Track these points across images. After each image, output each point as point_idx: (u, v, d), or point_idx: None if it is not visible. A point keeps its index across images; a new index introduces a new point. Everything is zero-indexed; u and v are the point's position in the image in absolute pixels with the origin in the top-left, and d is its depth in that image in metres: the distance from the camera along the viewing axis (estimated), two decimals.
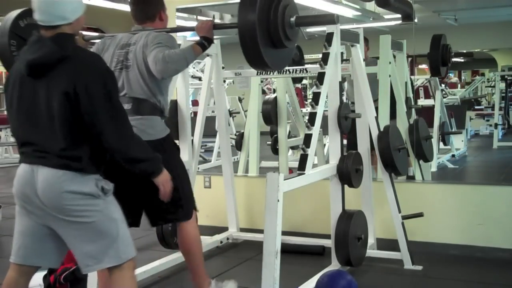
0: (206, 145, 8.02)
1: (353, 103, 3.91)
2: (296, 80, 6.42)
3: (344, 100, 4.11)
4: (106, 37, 3.09)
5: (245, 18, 2.60)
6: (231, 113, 8.08)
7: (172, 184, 2.60)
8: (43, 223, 2.42)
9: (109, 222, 2.35)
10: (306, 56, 5.92)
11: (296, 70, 4.43)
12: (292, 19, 2.79)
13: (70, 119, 2.25)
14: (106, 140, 2.28)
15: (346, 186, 3.60)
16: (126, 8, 9.89)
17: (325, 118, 3.51)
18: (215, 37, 2.95)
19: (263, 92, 5.76)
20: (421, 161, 4.77)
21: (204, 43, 2.87)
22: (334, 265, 3.61)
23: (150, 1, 3.05)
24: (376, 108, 3.97)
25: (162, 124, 2.95)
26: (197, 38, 2.95)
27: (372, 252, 3.92)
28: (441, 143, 7.07)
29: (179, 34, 4.75)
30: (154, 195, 2.60)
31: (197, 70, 8.00)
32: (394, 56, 4.81)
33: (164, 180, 2.51)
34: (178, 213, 3.01)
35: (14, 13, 2.99)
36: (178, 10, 5.14)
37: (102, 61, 2.38)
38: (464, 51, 10.63)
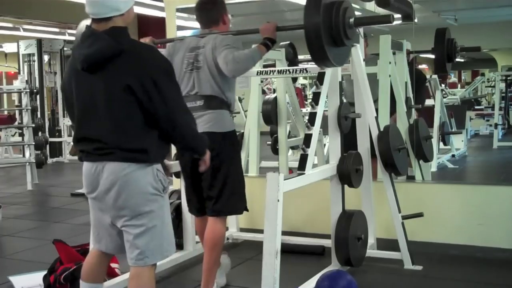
0: None
1: (350, 103, 3.90)
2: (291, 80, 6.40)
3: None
4: (176, 40, 3.37)
5: (311, 20, 2.86)
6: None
7: (224, 175, 3.09)
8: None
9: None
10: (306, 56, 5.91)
11: (296, 70, 4.43)
12: (351, 20, 2.98)
13: (133, 112, 2.27)
14: (177, 128, 2.36)
15: (346, 186, 3.61)
16: None
17: (325, 118, 3.51)
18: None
19: (263, 92, 5.75)
20: (421, 161, 4.77)
21: (268, 44, 3.13)
22: (334, 265, 3.61)
23: (213, 7, 3.30)
24: (376, 109, 3.96)
25: (230, 119, 3.23)
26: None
27: (372, 252, 3.92)
28: (441, 143, 7.07)
29: (179, 33, 4.75)
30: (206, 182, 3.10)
31: None
32: (394, 53, 4.81)
33: (208, 158, 2.68)
34: (218, 207, 3.15)
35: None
36: (178, 10, 5.13)
37: (158, 51, 2.42)
38: (464, 51, 10.62)
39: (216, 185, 3.14)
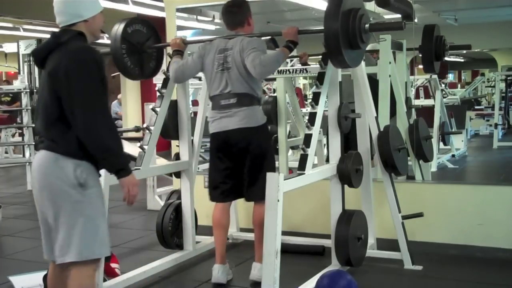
0: (206, 145, 7.99)
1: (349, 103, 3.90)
2: None
3: None
4: (206, 42, 3.61)
5: (330, 26, 3.08)
6: None
7: (265, 163, 3.43)
8: None
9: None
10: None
11: (296, 70, 4.43)
12: (367, 25, 3.19)
13: (53, 102, 2.33)
14: (75, 123, 2.29)
15: (346, 186, 3.61)
16: (126, 8, 9.91)
17: (325, 118, 3.51)
18: (215, 36, 3.38)
19: (263, 92, 5.75)
20: (421, 161, 4.77)
21: (291, 46, 3.39)
22: (334, 265, 3.62)
23: (238, 10, 3.55)
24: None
25: (261, 112, 3.56)
26: (198, 38, 3.04)
27: (372, 252, 3.92)
28: (441, 143, 7.06)
29: (179, 33, 4.75)
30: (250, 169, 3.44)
31: None
32: (395, 54, 4.80)
33: (131, 183, 2.43)
34: (258, 192, 3.31)
35: (123, 22, 3.70)
36: (178, 10, 5.14)
37: (92, 51, 2.37)
38: (464, 52, 10.63)
39: (261, 173, 3.28)
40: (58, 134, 2.33)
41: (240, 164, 3.51)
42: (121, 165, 2.39)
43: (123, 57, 3.70)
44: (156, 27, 3.95)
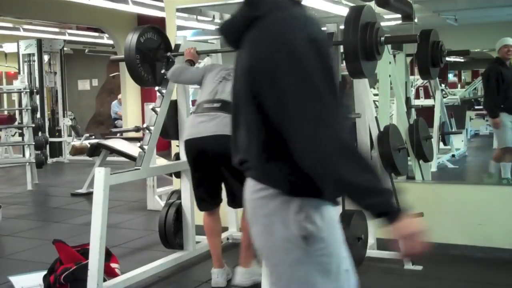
0: None
1: None
2: None
3: None
4: (218, 64, 3.88)
5: (349, 38, 3.21)
6: None
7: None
8: None
9: None
10: None
11: None
12: (382, 38, 3.32)
13: (254, 111, 1.47)
14: (293, 145, 1.40)
15: None
16: (126, 8, 9.90)
17: None
18: (216, 37, 3.15)
19: None
20: (421, 161, 4.77)
21: None
22: None
23: None
24: None
25: None
26: (199, 38, 3.04)
27: (372, 252, 3.92)
28: (441, 143, 7.06)
29: (179, 33, 4.75)
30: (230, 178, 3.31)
31: None
32: (394, 56, 4.81)
33: (408, 229, 1.44)
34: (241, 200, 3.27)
35: (137, 32, 3.79)
36: (178, 10, 5.14)
37: (306, 24, 1.44)
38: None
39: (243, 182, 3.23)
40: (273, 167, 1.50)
41: (218, 172, 3.41)
42: (382, 208, 1.44)
43: (137, 67, 3.80)
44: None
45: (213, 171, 3.42)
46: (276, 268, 1.56)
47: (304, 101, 1.36)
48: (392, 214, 1.44)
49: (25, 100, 7.94)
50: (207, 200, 3.58)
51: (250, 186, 1.57)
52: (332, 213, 1.54)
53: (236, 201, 3.47)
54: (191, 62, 3.77)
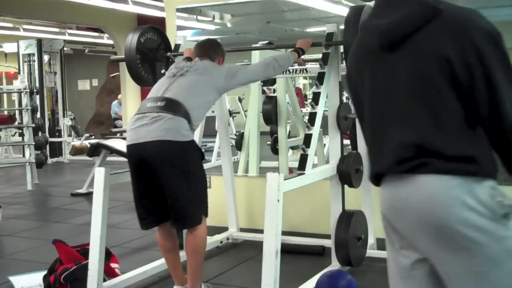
0: (206, 145, 8.00)
1: None
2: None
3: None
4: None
5: (349, 38, 3.23)
6: (231, 113, 8.07)
7: (186, 185, 2.95)
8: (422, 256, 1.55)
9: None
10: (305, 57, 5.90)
11: (296, 70, 4.43)
12: None
13: (450, 99, 1.48)
14: (502, 125, 1.48)
15: (346, 186, 3.61)
16: (126, 8, 9.91)
17: (325, 118, 3.51)
18: (216, 37, 3.13)
19: (263, 92, 5.75)
20: None
21: (299, 52, 3.56)
22: (334, 265, 3.61)
23: (213, 48, 3.40)
24: None
25: (188, 130, 3.01)
26: (198, 38, 3.02)
27: (372, 252, 3.92)
28: None
29: (179, 33, 4.76)
30: (169, 197, 2.97)
31: None
32: None
33: None
34: (185, 221, 3.09)
35: (137, 32, 3.78)
36: (178, 10, 5.14)
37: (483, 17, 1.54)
38: None
39: (184, 196, 2.99)
40: (471, 148, 1.52)
41: (159, 184, 2.98)
42: None
43: (137, 67, 3.78)
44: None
45: (154, 183, 2.99)
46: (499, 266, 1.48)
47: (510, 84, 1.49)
48: None
49: (25, 100, 7.95)
50: (146, 218, 3.14)
51: (441, 181, 1.50)
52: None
53: (181, 219, 3.06)
54: (189, 60, 3.74)
